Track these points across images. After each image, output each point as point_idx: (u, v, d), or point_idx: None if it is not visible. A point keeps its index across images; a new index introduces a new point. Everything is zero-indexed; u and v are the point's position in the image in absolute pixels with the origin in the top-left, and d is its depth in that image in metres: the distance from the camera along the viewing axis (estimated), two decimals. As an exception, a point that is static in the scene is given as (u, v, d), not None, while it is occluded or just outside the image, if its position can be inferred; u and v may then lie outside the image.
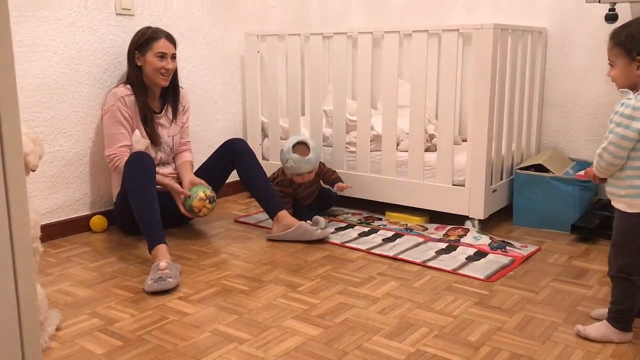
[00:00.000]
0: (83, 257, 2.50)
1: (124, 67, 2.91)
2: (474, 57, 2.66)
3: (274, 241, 2.68)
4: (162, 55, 2.67)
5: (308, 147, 2.85)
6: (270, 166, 3.37)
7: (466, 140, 2.93)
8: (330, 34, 3.16)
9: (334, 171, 3.02)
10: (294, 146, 2.85)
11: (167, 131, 2.80)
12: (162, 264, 2.18)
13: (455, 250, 2.53)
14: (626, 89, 1.65)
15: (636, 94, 1.63)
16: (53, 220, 2.73)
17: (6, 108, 0.72)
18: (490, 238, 2.63)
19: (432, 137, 2.99)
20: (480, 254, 2.47)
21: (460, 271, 2.30)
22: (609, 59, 1.71)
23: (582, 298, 2.07)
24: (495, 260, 2.41)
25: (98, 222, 2.82)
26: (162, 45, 2.67)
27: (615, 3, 2.65)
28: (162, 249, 2.28)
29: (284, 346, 1.73)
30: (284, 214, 2.70)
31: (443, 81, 2.79)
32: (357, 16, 3.74)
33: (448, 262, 2.39)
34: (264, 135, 3.52)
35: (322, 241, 2.65)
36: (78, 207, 2.83)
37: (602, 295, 2.09)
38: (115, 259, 2.48)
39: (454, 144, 2.83)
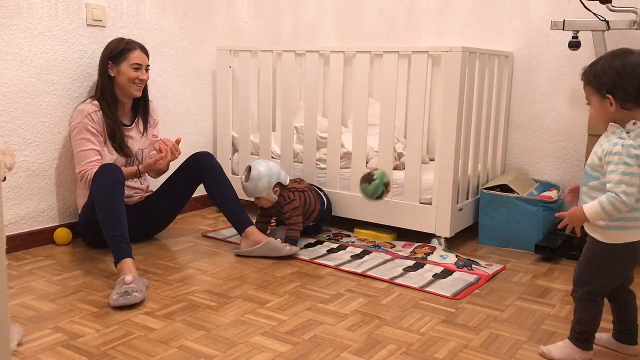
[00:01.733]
0: (46, 270, 2.44)
1: (93, 78, 2.88)
2: (442, 78, 2.72)
3: (242, 257, 2.67)
4: (138, 67, 2.66)
5: (249, 171, 2.82)
6: (239, 181, 3.36)
7: (434, 160, 2.98)
8: (302, 52, 3.19)
9: (295, 222, 2.80)
10: (248, 167, 2.85)
11: (137, 144, 2.77)
12: (128, 277, 2.15)
13: (422, 267, 2.56)
14: (616, 124, 1.64)
15: (628, 133, 1.62)
16: (16, 232, 2.66)
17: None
18: (457, 256, 2.67)
19: (400, 155, 3.03)
20: (446, 272, 2.50)
21: (427, 288, 2.33)
22: (586, 98, 1.72)
23: (545, 316, 2.11)
24: (461, 278, 2.44)
25: (62, 234, 2.77)
26: (137, 56, 2.66)
27: (578, 31, 2.75)
28: (128, 262, 2.25)
29: (252, 362, 1.73)
30: (252, 230, 2.69)
31: (412, 101, 2.84)
32: (330, 35, 3.79)
33: (415, 279, 2.42)
34: (234, 149, 3.51)
35: (291, 257, 2.65)
36: (42, 218, 2.77)
37: (564, 314, 2.13)
38: (80, 272, 2.43)
39: (422, 163, 2.88)
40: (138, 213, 2.74)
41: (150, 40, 3.14)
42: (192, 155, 2.83)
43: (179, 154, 2.71)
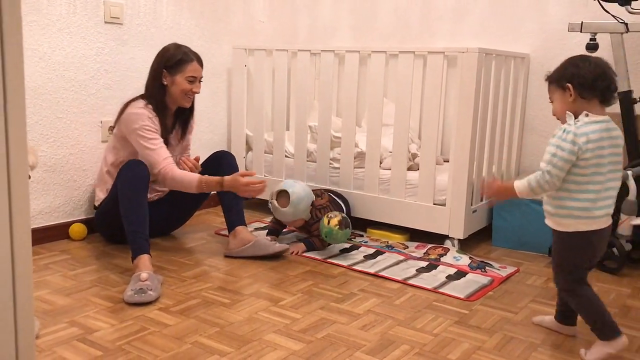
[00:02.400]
0: (61, 264, 2.47)
1: (110, 75, 2.90)
2: (458, 79, 2.71)
3: (233, 257, 2.63)
4: (192, 80, 2.60)
5: (288, 199, 2.71)
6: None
7: (448, 161, 2.97)
8: (317, 51, 3.20)
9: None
10: (278, 193, 2.76)
11: (172, 150, 2.70)
12: (144, 275, 2.16)
13: (435, 269, 2.55)
14: (570, 114, 1.75)
15: (576, 121, 1.74)
16: (32, 227, 2.68)
17: (13, 113, 0.72)
18: (470, 258, 2.67)
19: (414, 156, 3.03)
20: (460, 274, 2.50)
21: (441, 290, 2.32)
22: (549, 99, 1.86)
23: (559, 320, 2.10)
24: (475, 280, 2.44)
25: (77, 229, 2.79)
26: (193, 68, 2.59)
27: (596, 33, 2.73)
28: (144, 259, 2.26)
29: (266, 360, 1.73)
30: (241, 229, 2.67)
31: (427, 102, 2.83)
32: (345, 34, 3.79)
33: (428, 280, 2.42)
34: (248, 148, 3.52)
35: (289, 257, 2.65)
36: (58, 214, 2.80)
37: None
38: (95, 267, 2.45)
39: (436, 164, 2.87)
40: (157, 210, 2.75)
41: (167, 38, 3.15)
42: (213, 153, 2.83)
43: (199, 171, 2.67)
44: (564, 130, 1.72)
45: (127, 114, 2.55)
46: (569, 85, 1.76)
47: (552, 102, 1.84)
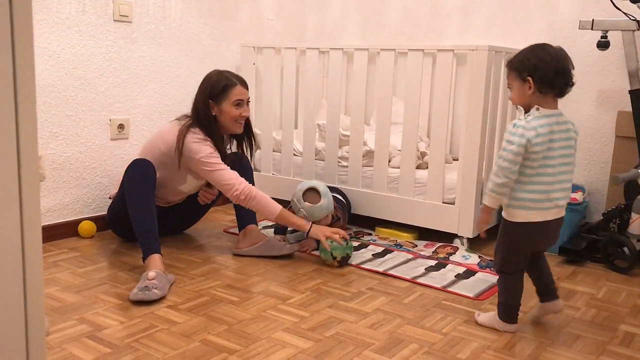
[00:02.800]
0: (71, 262, 2.47)
1: (119, 72, 2.91)
2: (468, 77, 2.69)
3: (241, 256, 2.63)
4: (239, 103, 2.54)
5: (319, 193, 2.68)
6: (261, 178, 3.38)
7: (457, 159, 2.96)
8: (326, 49, 3.19)
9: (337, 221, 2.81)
10: (304, 194, 2.70)
11: None
12: (151, 273, 2.16)
13: (444, 267, 2.54)
14: (520, 108, 1.84)
15: (526, 115, 1.80)
16: (41, 224, 2.70)
17: (24, 113, 0.72)
18: (480, 257, 2.65)
19: (423, 154, 3.02)
20: (469, 273, 2.49)
21: (450, 289, 2.31)
22: (507, 84, 1.90)
23: (570, 319, 2.09)
24: (484, 279, 2.42)
25: (86, 227, 2.80)
26: (238, 92, 2.52)
27: (607, 31, 2.70)
28: (155, 258, 2.26)
29: (274, 358, 1.73)
30: (253, 228, 2.66)
31: (436, 100, 2.82)
32: (353, 32, 3.78)
33: (437, 279, 2.41)
34: (257, 146, 3.52)
35: (301, 255, 2.65)
36: (67, 211, 2.81)
37: (589, 317, 2.11)
38: (104, 265, 2.45)
39: (445, 163, 2.86)
40: (170, 210, 2.76)
41: (175, 37, 3.16)
42: (230, 154, 2.81)
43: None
44: (514, 125, 1.79)
45: (189, 144, 2.46)
46: (530, 78, 1.79)
47: (509, 87, 1.89)
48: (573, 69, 1.82)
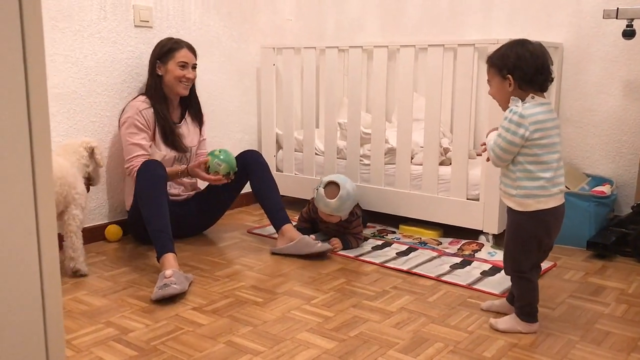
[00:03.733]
0: (98, 266, 2.51)
1: (141, 78, 2.94)
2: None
3: (278, 254, 2.66)
4: (184, 65, 2.71)
5: (338, 191, 2.69)
6: (283, 177, 3.38)
7: (481, 155, 2.92)
8: (345, 47, 3.18)
9: (360, 235, 2.80)
10: (328, 183, 2.73)
11: (186, 140, 2.82)
12: (168, 272, 2.19)
13: (469, 265, 2.52)
14: (516, 98, 1.80)
15: (523, 102, 1.78)
16: (69, 229, 2.74)
17: (37, 119, 0.73)
18: (505, 253, 2.62)
19: (446, 150, 2.99)
20: (495, 269, 2.45)
21: (475, 286, 2.29)
22: (487, 80, 1.90)
23: (599, 315, 2.04)
24: (510, 275, 2.39)
25: (113, 231, 2.84)
26: (183, 55, 2.71)
27: (632, 19, 2.64)
28: (169, 257, 2.29)
29: (299, 359, 1.73)
30: (288, 227, 2.68)
31: (458, 95, 2.79)
32: (373, 29, 3.76)
33: (463, 277, 2.38)
34: (279, 147, 3.53)
35: (327, 256, 2.63)
36: (93, 216, 2.85)
37: (619, 313, 2.06)
38: (130, 268, 2.49)
39: (469, 158, 2.82)
40: (188, 209, 2.79)
41: (196, 40, 3.18)
42: (242, 153, 2.85)
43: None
44: (511, 111, 1.78)
45: (127, 105, 2.74)
46: (510, 76, 1.79)
47: (489, 84, 1.89)
48: (552, 64, 1.83)
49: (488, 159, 1.90)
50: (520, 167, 1.80)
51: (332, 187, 2.71)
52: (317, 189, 2.74)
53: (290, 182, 3.40)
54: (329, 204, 2.68)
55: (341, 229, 2.81)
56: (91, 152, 2.49)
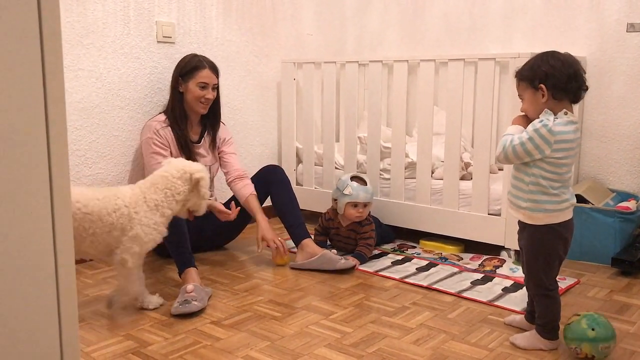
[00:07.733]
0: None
1: (163, 92, 2.97)
2: (511, 85, 2.63)
3: (298, 269, 2.65)
4: (204, 86, 2.69)
5: (365, 181, 2.84)
6: (303, 192, 3.39)
7: (502, 169, 2.89)
8: (365, 62, 3.18)
9: (371, 242, 2.80)
10: (352, 177, 2.85)
11: (204, 160, 2.80)
12: (189, 287, 2.20)
13: (491, 281, 2.48)
14: (549, 111, 1.76)
15: (555, 117, 1.74)
16: (91, 242, 2.77)
17: (55, 132, 0.74)
18: (527, 269, 2.57)
19: (467, 165, 2.96)
20: (517, 286, 2.41)
21: (497, 303, 2.25)
22: (518, 95, 1.85)
23: (624, 335, 2.00)
24: (532, 292, 2.35)
25: (134, 244, 2.86)
26: (205, 75, 2.69)
27: (657, 32, 2.61)
28: (191, 272, 2.30)
29: (316, 375, 1.72)
30: (308, 242, 2.67)
31: (479, 109, 2.77)
32: (393, 44, 3.77)
33: (484, 293, 2.35)
34: (299, 160, 3.54)
35: (348, 271, 2.61)
36: (115, 229, 2.87)
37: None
38: (150, 281, 2.50)
39: (490, 173, 2.80)
40: (207, 223, 2.80)
41: (218, 55, 3.21)
42: (263, 168, 2.86)
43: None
44: (541, 122, 1.74)
45: (145, 124, 2.74)
46: (543, 86, 1.75)
47: (521, 99, 1.84)
48: (584, 73, 1.79)
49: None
50: (534, 180, 1.78)
51: (358, 179, 2.84)
52: (342, 189, 2.79)
53: (310, 195, 3.40)
54: (368, 189, 2.79)
55: (352, 233, 2.82)
56: (196, 183, 2.18)
